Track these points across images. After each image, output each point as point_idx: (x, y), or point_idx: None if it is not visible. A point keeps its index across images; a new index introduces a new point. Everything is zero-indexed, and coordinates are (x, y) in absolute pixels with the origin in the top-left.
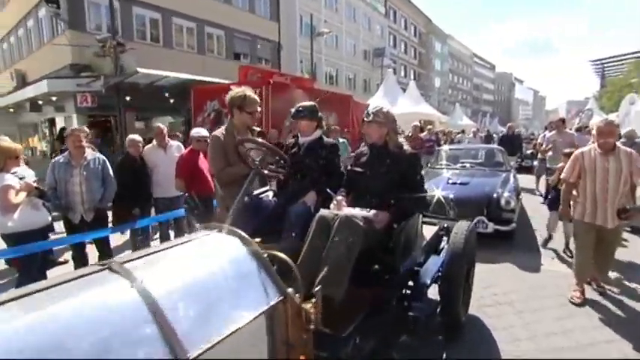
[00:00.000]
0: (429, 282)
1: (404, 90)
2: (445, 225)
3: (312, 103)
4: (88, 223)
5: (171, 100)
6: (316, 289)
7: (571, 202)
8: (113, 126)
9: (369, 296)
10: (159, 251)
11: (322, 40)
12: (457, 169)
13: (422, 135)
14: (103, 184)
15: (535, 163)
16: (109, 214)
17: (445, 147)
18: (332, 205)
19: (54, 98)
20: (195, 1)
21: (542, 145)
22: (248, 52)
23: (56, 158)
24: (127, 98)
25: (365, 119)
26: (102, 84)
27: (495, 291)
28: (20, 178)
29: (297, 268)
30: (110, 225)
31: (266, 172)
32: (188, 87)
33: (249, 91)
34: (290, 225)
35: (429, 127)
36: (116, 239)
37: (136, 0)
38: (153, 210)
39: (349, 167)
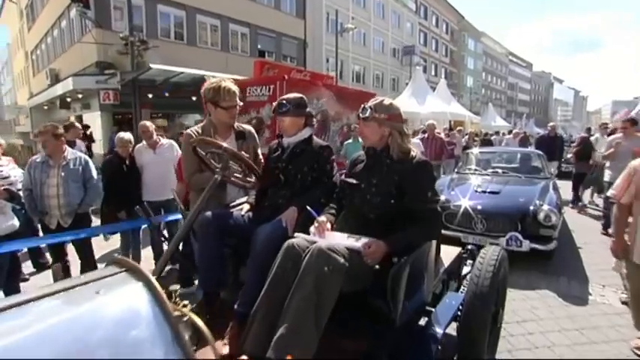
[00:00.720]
0: (442, 329)
1: (433, 89)
2: (469, 247)
3: (298, 95)
4: (65, 229)
5: (193, 98)
6: (269, 353)
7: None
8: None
9: (352, 352)
10: (35, 299)
11: (349, 38)
12: (488, 175)
13: (440, 135)
14: (84, 186)
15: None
16: (94, 218)
17: (475, 149)
18: (312, 229)
19: (80, 95)
20: None
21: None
22: (273, 49)
23: (34, 157)
24: (150, 95)
25: (360, 115)
26: (118, 80)
27: (530, 328)
28: (3, 178)
29: (211, 336)
30: None
31: (233, 180)
32: None
33: (225, 82)
34: (255, 255)
35: (460, 127)
36: (105, 246)
37: None
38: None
39: (342, 177)
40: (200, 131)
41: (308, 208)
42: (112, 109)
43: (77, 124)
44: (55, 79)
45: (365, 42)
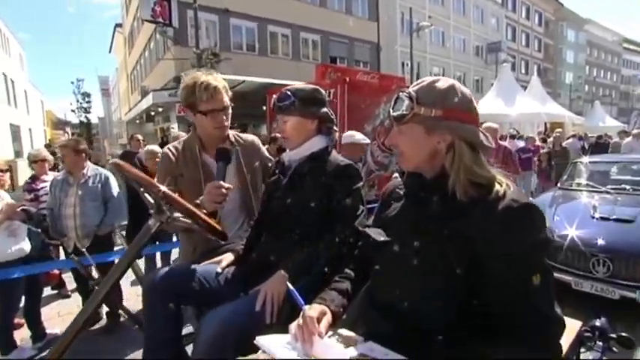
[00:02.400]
0: None
1: (524, 88)
2: (597, 324)
3: (309, 85)
4: (82, 253)
5: (264, 107)
6: None
7: None
8: None
9: None
10: None
11: (426, 38)
12: (608, 193)
13: (505, 143)
14: (105, 205)
15: None
16: (119, 239)
17: (584, 159)
18: (292, 327)
19: (160, 109)
20: (290, 8)
21: None
22: (345, 55)
23: (56, 174)
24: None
25: (391, 112)
26: None
27: None
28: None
29: None
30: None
31: (180, 225)
32: (276, 92)
33: (205, 77)
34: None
35: (558, 130)
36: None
37: (233, 12)
38: None
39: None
40: (180, 148)
41: (290, 287)
42: (187, 120)
43: (139, 137)
44: (144, 95)
45: (444, 41)
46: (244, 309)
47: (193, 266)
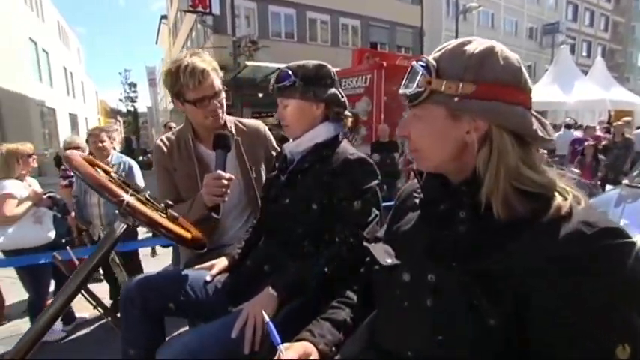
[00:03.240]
0: None
1: (585, 73)
2: None
3: (313, 62)
4: None
5: None
6: None
7: None
8: None
9: None
10: None
11: (474, 20)
12: None
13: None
14: None
15: None
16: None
17: None
18: None
19: None
20: None
21: None
22: (386, 40)
23: None
24: (260, 95)
25: (403, 91)
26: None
27: None
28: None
29: None
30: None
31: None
32: None
33: (187, 60)
34: None
35: (625, 118)
36: (153, 262)
37: None
38: None
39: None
40: (173, 139)
41: (265, 317)
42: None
43: (172, 124)
44: None
45: (493, 24)
46: (215, 335)
47: (182, 272)
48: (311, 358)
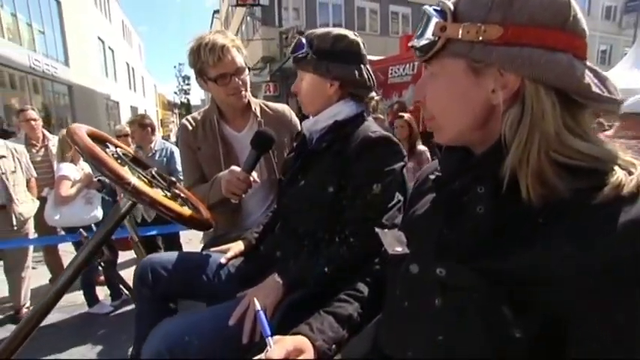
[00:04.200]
0: None
1: None
2: None
3: (334, 31)
4: (150, 224)
5: None
6: None
7: None
8: None
9: None
10: None
11: None
12: None
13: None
14: None
15: None
16: None
17: None
18: None
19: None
20: None
21: None
22: None
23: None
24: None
25: (414, 44)
26: (268, 71)
27: None
28: None
29: None
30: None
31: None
32: None
33: (209, 37)
34: None
35: None
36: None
37: None
38: None
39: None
40: (199, 118)
41: (257, 305)
42: (273, 100)
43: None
44: None
45: None
46: (211, 323)
47: (199, 254)
48: (304, 356)
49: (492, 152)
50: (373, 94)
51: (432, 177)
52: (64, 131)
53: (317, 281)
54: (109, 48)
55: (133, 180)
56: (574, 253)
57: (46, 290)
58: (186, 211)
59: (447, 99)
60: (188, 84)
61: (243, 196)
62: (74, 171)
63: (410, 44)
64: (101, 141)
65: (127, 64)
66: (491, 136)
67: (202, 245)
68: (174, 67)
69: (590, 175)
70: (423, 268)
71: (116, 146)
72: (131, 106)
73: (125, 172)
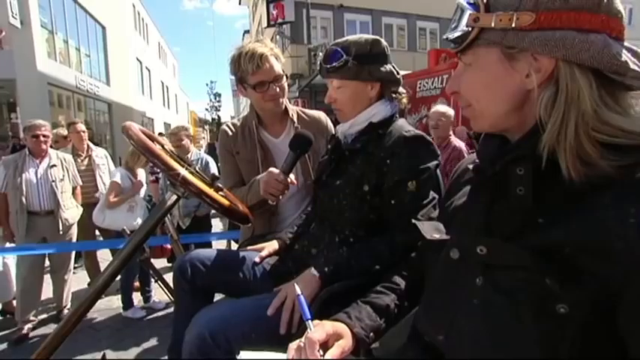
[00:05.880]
0: None
1: None
2: None
3: (365, 36)
4: (184, 232)
5: None
6: None
7: None
8: None
9: None
10: None
11: None
12: None
13: None
14: None
15: None
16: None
17: None
18: (290, 349)
19: None
20: None
21: None
22: None
23: None
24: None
25: (448, 37)
26: (297, 87)
27: None
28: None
29: None
30: None
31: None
32: None
33: (249, 46)
34: None
35: None
36: None
37: (347, 6)
38: None
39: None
40: (239, 124)
41: (298, 290)
42: None
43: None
44: None
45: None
46: (250, 311)
47: (235, 252)
48: (342, 341)
49: (530, 135)
50: (402, 89)
51: (471, 166)
52: None
53: (354, 275)
54: (146, 68)
55: (182, 171)
56: (623, 224)
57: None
58: (229, 202)
59: (483, 86)
60: (219, 101)
61: (281, 197)
62: (125, 178)
63: (444, 37)
64: (151, 139)
65: (162, 83)
66: (527, 120)
67: (238, 245)
68: (206, 84)
69: (634, 151)
70: (464, 251)
71: (162, 145)
72: (165, 123)
73: (175, 163)
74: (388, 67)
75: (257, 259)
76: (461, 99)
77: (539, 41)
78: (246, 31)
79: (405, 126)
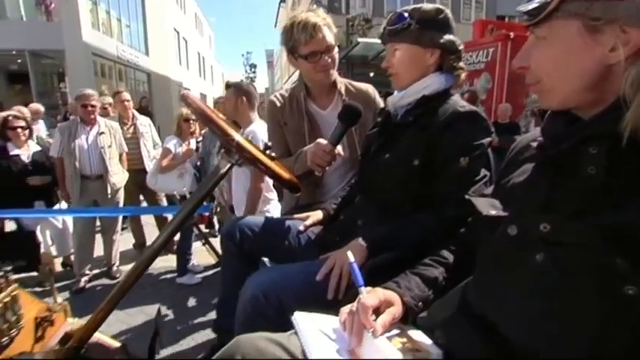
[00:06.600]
0: None
1: None
2: None
3: (431, 5)
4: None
5: None
6: None
7: None
8: None
9: None
10: None
11: None
12: None
13: None
14: None
15: None
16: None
17: None
18: (342, 313)
19: None
20: None
21: None
22: (516, 12)
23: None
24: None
25: (521, 8)
26: None
27: None
28: None
29: None
30: None
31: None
32: None
33: (302, 16)
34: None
35: None
36: None
37: None
38: None
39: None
40: (287, 95)
41: (351, 258)
42: None
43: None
44: None
45: None
46: (300, 276)
47: (280, 219)
48: (393, 308)
49: (607, 112)
50: (462, 64)
51: (535, 144)
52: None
53: (400, 248)
54: (183, 38)
55: (237, 137)
56: None
57: (147, 248)
58: (281, 170)
59: (557, 61)
60: (254, 72)
61: (327, 168)
62: (177, 146)
63: (517, 8)
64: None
65: (199, 54)
66: (605, 97)
67: (282, 213)
68: (242, 55)
69: None
70: (524, 227)
71: (216, 114)
72: (200, 93)
73: (230, 129)
74: (451, 36)
75: (301, 228)
76: (530, 74)
77: (634, 11)
78: (282, 1)
79: (459, 101)
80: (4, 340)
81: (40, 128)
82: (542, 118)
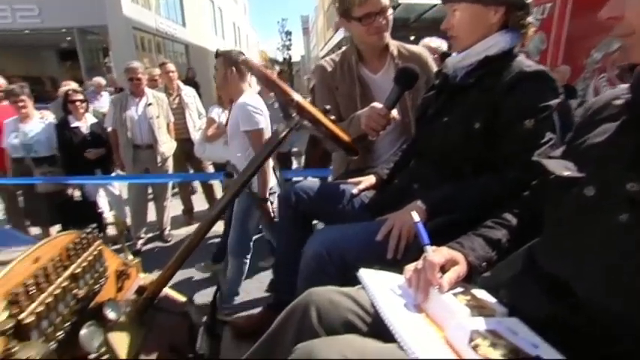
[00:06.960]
0: None
1: None
2: None
3: None
4: None
5: None
6: None
7: None
8: None
9: None
10: None
11: None
12: None
13: None
14: None
15: None
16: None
17: None
18: (407, 271)
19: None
20: None
21: None
22: None
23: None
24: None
25: None
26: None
27: None
28: None
29: None
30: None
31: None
32: None
33: None
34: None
35: None
36: None
37: None
38: None
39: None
40: (337, 60)
41: (416, 218)
42: None
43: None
44: (336, 29)
45: None
46: (360, 235)
47: (333, 183)
48: (458, 267)
49: None
50: (530, 19)
51: (618, 101)
52: None
53: (460, 210)
54: (218, 8)
55: (297, 97)
56: None
57: (205, 213)
58: (341, 132)
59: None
60: (290, 39)
61: (380, 133)
62: (221, 114)
63: None
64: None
65: (234, 24)
66: None
67: (334, 178)
68: (277, 22)
69: None
70: (605, 188)
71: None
72: None
73: (290, 90)
74: None
75: (355, 191)
76: (620, 25)
77: None
78: None
79: (525, 60)
80: (96, 287)
81: (105, 100)
82: (621, 77)
